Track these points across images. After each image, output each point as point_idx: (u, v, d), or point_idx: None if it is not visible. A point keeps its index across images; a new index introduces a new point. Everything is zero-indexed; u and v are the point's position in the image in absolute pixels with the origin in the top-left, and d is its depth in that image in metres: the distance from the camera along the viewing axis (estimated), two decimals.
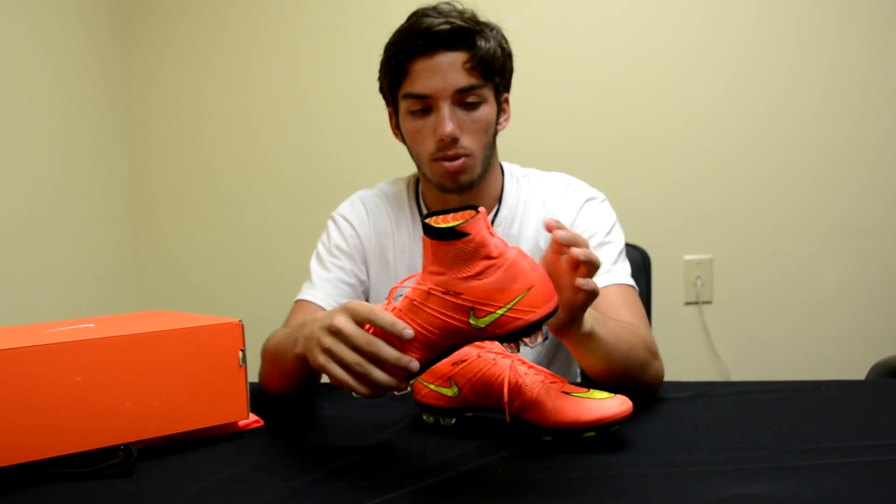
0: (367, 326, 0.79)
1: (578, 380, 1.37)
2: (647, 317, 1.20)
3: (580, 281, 0.83)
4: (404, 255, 1.30)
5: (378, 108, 1.30)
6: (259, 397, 1.10)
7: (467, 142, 1.17)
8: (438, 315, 0.75)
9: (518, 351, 0.85)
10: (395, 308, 0.78)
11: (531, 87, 1.99)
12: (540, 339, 0.78)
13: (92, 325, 0.96)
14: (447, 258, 0.74)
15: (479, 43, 1.15)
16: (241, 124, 2.22)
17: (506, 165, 1.33)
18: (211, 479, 0.82)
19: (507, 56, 1.21)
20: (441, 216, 0.77)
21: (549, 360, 1.31)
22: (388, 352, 0.76)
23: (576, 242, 0.83)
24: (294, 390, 1.10)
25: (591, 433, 0.86)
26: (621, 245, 1.25)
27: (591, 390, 0.90)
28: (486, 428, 0.95)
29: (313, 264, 1.31)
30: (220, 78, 2.21)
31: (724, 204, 2.08)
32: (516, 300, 0.74)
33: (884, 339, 2.00)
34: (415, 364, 0.76)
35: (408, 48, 1.15)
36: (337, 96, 2.17)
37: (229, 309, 2.13)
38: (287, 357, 1.00)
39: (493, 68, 1.18)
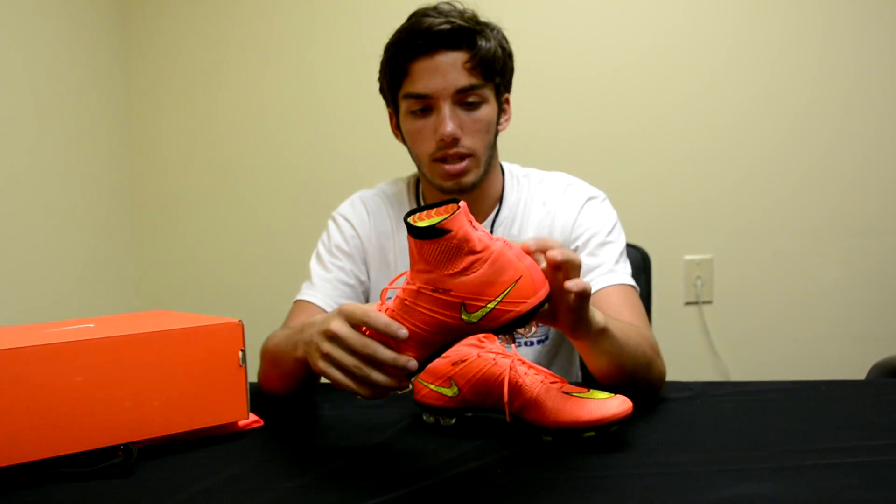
0: (364, 328, 0.79)
1: (579, 380, 1.37)
2: (647, 317, 1.20)
3: (568, 284, 0.82)
4: (405, 256, 1.29)
5: (378, 108, 1.30)
6: (259, 397, 1.10)
7: (468, 142, 1.17)
8: (430, 313, 0.75)
9: (514, 342, 0.85)
10: (387, 308, 0.78)
11: (531, 87, 1.99)
12: (534, 328, 0.78)
13: (92, 325, 0.96)
14: (432, 256, 0.73)
15: (479, 43, 1.15)
16: (242, 124, 2.22)
17: (506, 166, 1.33)
18: (211, 479, 0.82)
19: (507, 56, 1.21)
20: (424, 212, 0.76)
21: (550, 361, 1.31)
22: (385, 353, 0.76)
23: (546, 246, 0.80)
24: (294, 391, 1.11)
25: (591, 433, 0.86)
26: (622, 245, 1.25)
27: (591, 390, 0.90)
28: (486, 428, 0.95)
29: (313, 264, 1.31)
30: (220, 78, 2.21)
31: (724, 204, 2.08)
32: (506, 292, 0.73)
33: (884, 339, 2.00)
34: (413, 363, 0.76)
35: (408, 48, 1.15)
36: (337, 96, 2.17)
37: (229, 309, 2.13)
38: (287, 360, 1.00)
39: (493, 68, 1.18)
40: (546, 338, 1.27)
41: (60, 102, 1.96)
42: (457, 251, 0.72)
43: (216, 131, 2.23)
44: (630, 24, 2.07)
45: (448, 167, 1.18)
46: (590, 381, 1.09)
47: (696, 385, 1.11)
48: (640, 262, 1.57)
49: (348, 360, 0.79)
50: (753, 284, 2.09)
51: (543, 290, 0.76)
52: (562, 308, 0.85)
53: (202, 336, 0.93)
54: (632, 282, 1.21)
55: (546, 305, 0.77)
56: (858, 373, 1.44)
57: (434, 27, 1.13)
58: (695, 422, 0.95)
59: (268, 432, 0.99)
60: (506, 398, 0.89)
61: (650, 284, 1.61)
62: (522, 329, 0.77)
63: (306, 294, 1.26)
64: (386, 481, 0.78)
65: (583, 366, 1.35)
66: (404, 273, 0.79)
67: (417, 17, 1.16)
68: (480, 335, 0.95)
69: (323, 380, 1.08)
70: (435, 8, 1.16)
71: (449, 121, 1.15)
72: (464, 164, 1.17)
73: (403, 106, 1.20)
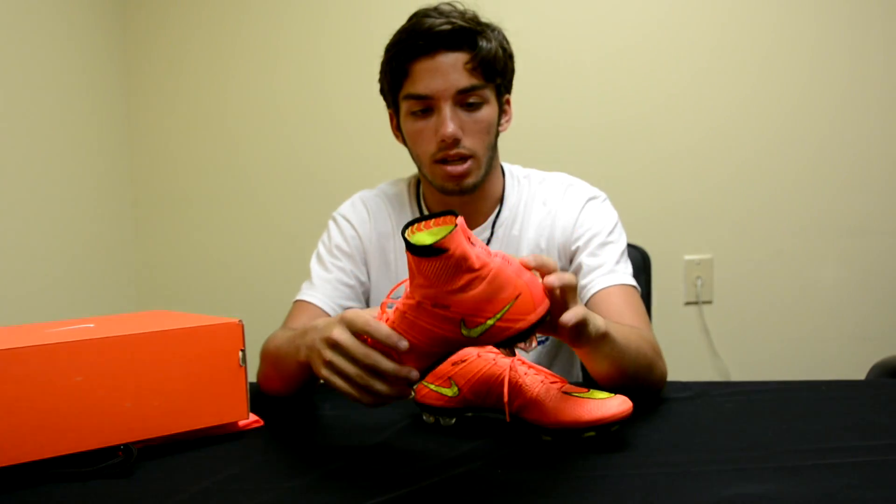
0: (365, 337, 0.79)
1: (580, 380, 1.37)
2: (648, 317, 1.20)
3: (564, 319, 0.79)
4: (405, 257, 1.29)
5: (379, 108, 1.30)
6: (259, 397, 1.10)
7: (469, 143, 1.17)
8: (430, 326, 0.75)
9: (514, 355, 0.85)
10: (388, 319, 0.78)
11: (532, 87, 1.99)
12: (534, 343, 0.77)
13: (92, 325, 0.96)
14: (431, 273, 0.72)
15: (480, 43, 1.15)
16: (242, 125, 2.22)
17: (506, 166, 1.33)
18: (211, 479, 0.82)
19: (508, 57, 1.21)
20: (421, 223, 0.76)
21: (551, 361, 1.31)
22: (387, 364, 0.77)
23: (544, 267, 0.79)
24: (294, 392, 1.11)
25: (591, 433, 0.86)
26: (623, 245, 1.25)
27: (591, 390, 0.90)
28: (486, 428, 0.95)
29: (313, 264, 1.31)
30: (221, 78, 2.21)
31: (724, 204, 2.08)
32: (505, 309, 0.73)
33: (884, 340, 2.00)
34: (415, 374, 0.77)
35: (409, 49, 1.15)
36: (338, 97, 2.17)
37: (229, 309, 2.14)
38: (289, 363, 1.00)
39: (494, 69, 1.17)
40: (547, 338, 1.27)
41: (60, 102, 1.96)
42: (455, 269, 0.71)
43: (216, 131, 2.23)
44: (630, 25, 2.07)
45: (449, 168, 1.17)
46: (590, 382, 1.09)
47: (696, 385, 1.11)
48: (640, 262, 1.57)
49: (350, 368, 0.79)
50: (753, 284, 2.09)
51: (543, 306, 0.75)
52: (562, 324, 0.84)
53: (202, 336, 0.93)
54: (633, 282, 1.21)
55: (547, 319, 0.77)
56: (858, 373, 1.44)
57: (435, 28, 1.13)
58: (695, 422, 0.95)
59: (268, 432, 0.99)
60: (506, 398, 0.89)
61: (650, 284, 1.61)
62: (523, 344, 0.76)
63: (306, 294, 1.26)
64: (386, 481, 0.78)
65: (583, 366, 1.35)
66: (404, 281, 0.79)
67: (418, 18, 1.16)
68: None
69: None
70: (436, 8, 1.16)
71: (450, 122, 1.14)
72: (465, 165, 1.17)
73: (404, 107, 1.20)
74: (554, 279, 0.78)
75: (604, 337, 0.90)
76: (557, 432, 0.87)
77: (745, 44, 2.05)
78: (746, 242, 2.08)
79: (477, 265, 0.71)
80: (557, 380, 0.92)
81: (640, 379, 1.01)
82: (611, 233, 1.24)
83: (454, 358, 0.94)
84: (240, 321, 0.96)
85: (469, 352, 0.94)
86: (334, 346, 0.80)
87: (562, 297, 0.80)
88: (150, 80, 2.24)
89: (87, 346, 0.85)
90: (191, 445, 0.92)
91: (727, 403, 1.03)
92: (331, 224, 1.34)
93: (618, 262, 1.21)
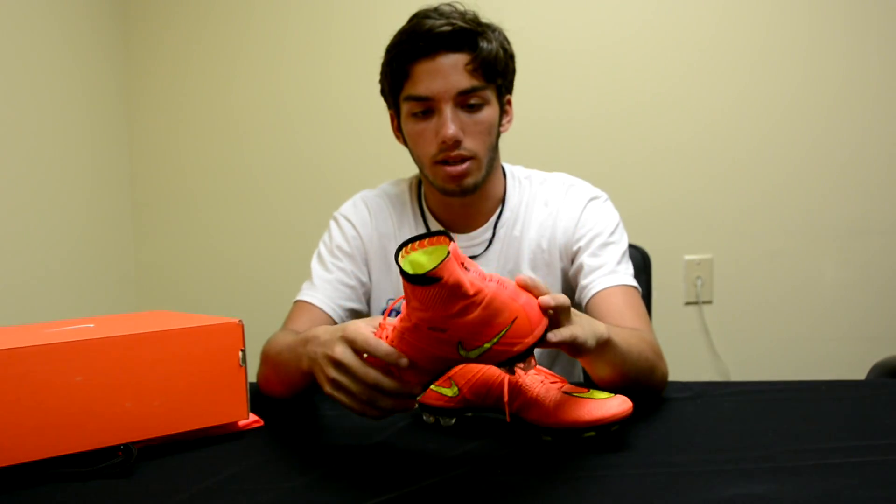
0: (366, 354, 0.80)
1: (580, 380, 1.37)
2: (649, 318, 1.20)
3: (548, 338, 0.78)
4: None
5: (379, 109, 1.30)
6: (259, 397, 1.10)
7: (470, 144, 1.17)
8: (428, 347, 0.75)
9: (514, 374, 0.85)
10: (387, 337, 0.79)
11: (532, 87, 1.99)
12: (533, 363, 0.77)
13: (92, 325, 0.96)
14: (425, 299, 0.72)
15: (480, 44, 1.15)
16: (242, 125, 2.22)
17: (507, 167, 1.33)
18: (211, 479, 0.82)
19: (509, 57, 1.21)
20: (415, 242, 0.75)
21: (552, 362, 1.31)
22: (389, 383, 0.78)
23: (536, 290, 0.78)
24: (295, 395, 1.11)
25: (591, 433, 0.86)
26: (625, 246, 1.25)
27: (591, 390, 0.90)
28: (486, 428, 0.95)
29: (314, 264, 1.30)
30: (221, 78, 2.21)
31: (724, 204, 2.08)
32: (501, 333, 0.72)
33: (884, 340, 2.00)
34: (416, 388, 0.78)
35: (409, 50, 1.15)
36: (338, 97, 2.17)
37: (229, 309, 2.13)
38: (291, 370, 1.00)
39: (495, 70, 1.17)
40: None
41: (60, 102, 1.96)
42: (449, 296, 0.71)
43: (216, 131, 2.23)
44: (630, 25, 2.07)
45: (449, 169, 1.17)
46: (591, 382, 1.09)
47: (696, 385, 1.11)
48: (641, 262, 1.57)
49: (353, 387, 0.80)
50: (753, 284, 2.09)
51: (540, 328, 0.75)
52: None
53: (202, 336, 0.93)
54: (634, 283, 1.21)
55: (546, 338, 0.76)
56: (858, 373, 1.44)
57: (435, 29, 1.13)
58: (695, 422, 0.95)
59: (268, 432, 0.99)
60: (506, 398, 0.89)
61: (650, 284, 1.61)
62: (522, 364, 0.76)
63: (307, 294, 1.26)
64: (386, 481, 0.78)
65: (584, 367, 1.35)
66: (401, 298, 0.78)
67: (418, 19, 1.16)
68: None
69: None
70: (436, 9, 1.16)
71: (450, 123, 1.14)
72: (465, 166, 1.17)
73: (405, 108, 1.19)
74: (549, 300, 0.78)
75: (606, 343, 0.89)
76: (557, 432, 0.87)
77: (744, 44, 2.04)
78: (746, 242, 2.08)
79: (471, 291, 0.71)
80: (557, 380, 0.92)
81: (641, 382, 1.00)
82: (612, 233, 1.24)
83: None
84: (240, 321, 0.96)
85: None
86: (337, 364, 0.81)
87: (555, 317, 0.80)
88: (149, 80, 2.24)
89: (87, 346, 0.85)
90: (191, 445, 0.92)
91: (727, 403, 1.03)
92: (332, 224, 1.34)
93: (619, 263, 1.21)
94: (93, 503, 0.77)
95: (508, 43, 1.22)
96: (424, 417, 0.99)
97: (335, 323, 1.22)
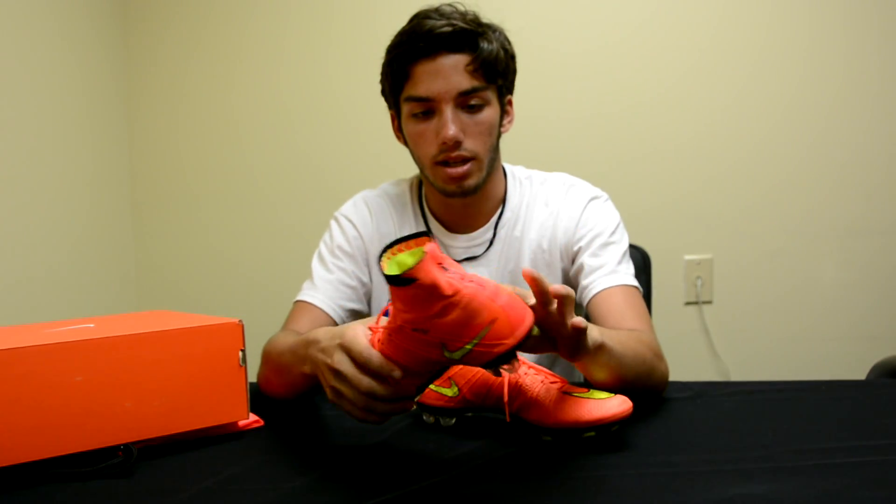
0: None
1: (581, 381, 1.37)
2: (650, 318, 1.20)
3: (575, 322, 0.80)
4: None
5: (380, 109, 1.30)
6: (259, 397, 1.10)
7: (470, 144, 1.17)
8: (415, 350, 0.75)
9: (500, 375, 0.85)
10: (379, 340, 0.79)
11: (533, 87, 1.99)
12: (517, 365, 0.77)
13: (92, 325, 0.96)
14: (406, 300, 0.72)
15: (481, 45, 1.15)
16: (242, 125, 2.22)
17: (508, 167, 1.33)
18: (211, 479, 0.82)
19: (509, 58, 1.21)
20: (401, 244, 0.76)
21: (553, 362, 1.31)
22: (383, 390, 0.78)
23: (541, 284, 0.79)
24: (296, 396, 1.11)
25: (591, 433, 0.86)
26: (625, 245, 1.25)
27: (592, 390, 0.90)
28: (486, 428, 0.95)
29: (315, 264, 1.30)
30: (221, 78, 2.21)
31: (724, 204, 2.08)
32: (481, 334, 0.72)
33: (884, 339, 2.00)
34: (412, 391, 0.78)
35: (410, 50, 1.15)
36: (339, 97, 2.17)
37: (229, 309, 2.13)
38: (293, 372, 1.00)
39: (495, 70, 1.17)
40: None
41: (60, 102, 1.96)
42: (427, 297, 0.71)
43: (216, 131, 2.23)
44: (631, 25, 2.07)
45: (450, 170, 1.17)
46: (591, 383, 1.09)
47: (696, 385, 1.11)
48: (641, 262, 1.57)
49: (353, 396, 0.80)
50: (753, 284, 2.09)
51: (522, 329, 0.74)
52: (561, 338, 0.84)
53: (202, 336, 0.93)
54: (634, 283, 1.21)
55: (528, 342, 0.75)
56: (858, 373, 1.44)
57: (436, 29, 1.13)
58: (695, 422, 0.95)
59: (268, 432, 0.99)
60: (506, 398, 0.89)
61: (650, 284, 1.61)
62: (507, 365, 0.76)
63: (307, 295, 1.26)
64: (386, 481, 0.79)
65: None
66: (389, 306, 0.79)
67: (419, 20, 1.16)
68: None
69: None
70: (436, 10, 1.16)
71: (451, 124, 1.14)
72: (466, 167, 1.17)
73: (405, 109, 1.19)
74: (560, 288, 0.78)
75: (600, 348, 0.89)
76: (557, 432, 0.87)
77: (746, 45, 2.04)
78: (746, 242, 2.08)
79: (449, 292, 0.71)
80: (557, 380, 0.92)
81: (638, 384, 1.00)
82: (613, 233, 1.24)
83: None
84: (240, 321, 0.96)
85: None
86: (336, 373, 0.81)
87: (559, 310, 0.80)
88: (149, 80, 2.24)
89: (87, 346, 0.85)
90: (191, 445, 0.92)
91: (727, 403, 1.03)
92: (332, 224, 1.34)
93: (619, 263, 1.21)
94: (93, 503, 0.77)
95: (509, 43, 1.21)
96: (424, 417, 0.99)
97: (336, 323, 1.22)
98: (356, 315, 1.28)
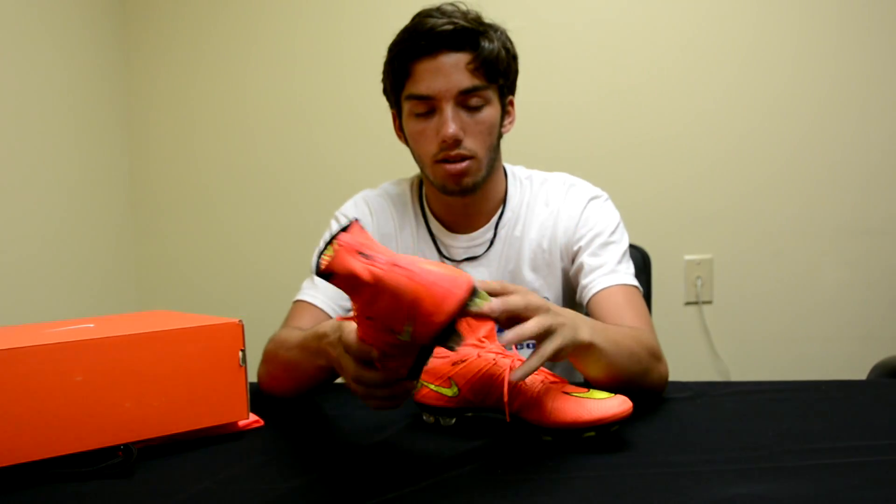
0: None
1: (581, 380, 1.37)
2: (650, 318, 1.20)
3: (503, 342, 0.82)
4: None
5: (380, 108, 1.30)
6: (259, 397, 1.10)
7: (470, 144, 1.17)
8: (377, 334, 0.77)
9: (454, 350, 0.84)
10: (358, 330, 0.81)
11: (534, 87, 1.98)
12: (460, 341, 0.76)
13: (92, 325, 0.96)
14: (345, 291, 0.74)
15: (482, 44, 1.15)
16: (242, 125, 2.22)
17: (508, 167, 1.33)
18: (211, 479, 0.82)
19: (511, 57, 1.21)
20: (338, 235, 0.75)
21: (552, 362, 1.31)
22: (373, 375, 0.81)
23: (501, 292, 0.83)
24: (305, 392, 1.11)
25: (591, 433, 0.85)
26: (625, 245, 1.25)
27: (591, 390, 0.90)
28: (486, 428, 0.95)
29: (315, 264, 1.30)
30: (220, 79, 2.21)
31: (724, 204, 2.08)
32: (412, 315, 0.72)
33: (884, 339, 2.00)
34: (402, 372, 0.79)
35: (411, 49, 1.15)
36: (339, 97, 2.17)
37: (229, 309, 2.13)
38: (307, 366, 1.03)
39: (497, 70, 1.17)
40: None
41: (60, 102, 1.96)
42: (352, 287, 0.72)
43: (216, 131, 2.23)
44: (632, 25, 2.07)
45: (449, 167, 1.17)
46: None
47: (696, 385, 1.11)
48: (641, 262, 1.57)
49: (357, 388, 0.84)
50: (753, 284, 2.08)
51: (449, 303, 0.72)
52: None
53: (202, 336, 0.93)
54: (634, 282, 1.20)
55: (459, 317, 0.75)
56: (858, 373, 1.44)
57: (437, 28, 1.13)
58: (695, 422, 0.95)
59: (268, 432, 0.99)
60: (506, 398, 0.89)
61: (650, 284, 1.61)
62: (451, 342, 0.75)
63: (307, 294, 1.26)
64: (386, 481, 0.79)
65: None
66: None
67: (421, 18, 1.16)
68: (481, 335, 0.95)
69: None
70: (438, 9, 1.16)
71: (451, 122, 1.14)
72: (465, 164, 1.17)
73: (406, 107, 1.19)
74: (497, 304, 0.80)
75: (589, 347, 0.91)
76: (557, 432, 0.87)
77: (747, 45, 2.04)
78: (746, 242, 2.08)
79: (368, 278, 0.71)
80: (557, 380, 0.92)
81: (633, 383, 1.00)
82: (613, 233, 1.24)
83: (454, 357, 0.95)
84: (240, 321, 0.96)
85: (469, 352, 0.94)
86: (339, 365, 0.87)
87: (509, 323, 0.83)
88: (149, 80, 2.24)
89: (87, 346, 0.85)
90: (191, 445, 0.92)
91: (727, 403, 1.03)
92: (333, 223, 1.33)
93: (619, 263, 1.21)
94: (93, 503, 0.77)
95: (511, 43, 1.21)
96: (424, 417, 0.99)
97: None
98: None
